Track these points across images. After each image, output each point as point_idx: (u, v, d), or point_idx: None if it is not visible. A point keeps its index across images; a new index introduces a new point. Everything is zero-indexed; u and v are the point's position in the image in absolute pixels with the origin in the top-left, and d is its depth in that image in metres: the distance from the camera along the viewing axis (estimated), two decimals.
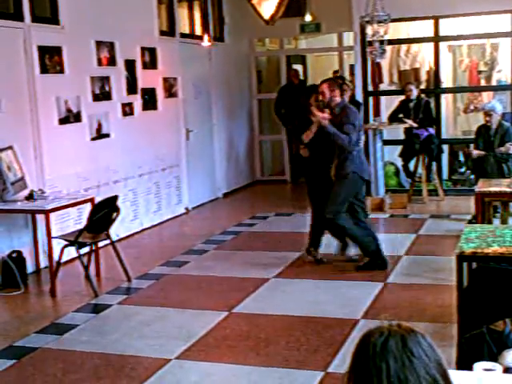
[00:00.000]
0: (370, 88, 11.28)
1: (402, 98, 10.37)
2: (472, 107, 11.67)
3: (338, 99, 6.78)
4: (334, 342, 5.02)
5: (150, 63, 9.35)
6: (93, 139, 8.15)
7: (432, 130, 10.28)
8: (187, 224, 9.67)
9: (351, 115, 6.75)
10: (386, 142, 10.47)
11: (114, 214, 6.66)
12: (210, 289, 6.51)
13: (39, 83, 7.30)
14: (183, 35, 10.37)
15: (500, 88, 11.22)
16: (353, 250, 7.19)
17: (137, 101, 9.01)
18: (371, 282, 6.46)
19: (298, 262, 7.27)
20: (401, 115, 10.24)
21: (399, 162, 10.93)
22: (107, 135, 8.40)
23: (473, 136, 9.15)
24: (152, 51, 9.37)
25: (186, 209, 10.27)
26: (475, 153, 8.69)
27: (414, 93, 10.19)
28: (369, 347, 1.74)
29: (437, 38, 10.79)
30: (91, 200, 7.02)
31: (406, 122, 10.08)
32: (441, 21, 10.63)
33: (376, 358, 1.72)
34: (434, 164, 10.58)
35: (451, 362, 3.52)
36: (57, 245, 6.57)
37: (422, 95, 10.42)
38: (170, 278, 6.94)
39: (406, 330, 1.77)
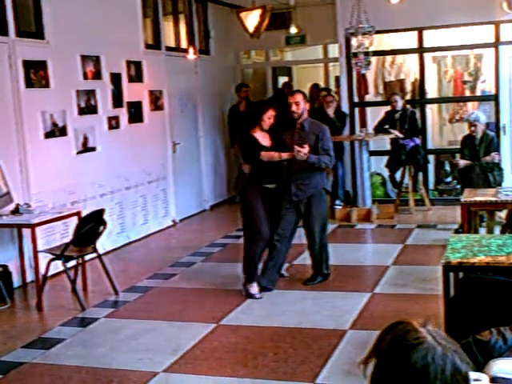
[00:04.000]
0: (356, 99, 11.33)
1: (388, 108, 10.43)
2: (457, 117, 11.74)
3: (306, 114, 6.70)
4: (322, 354, 5.02)
5: (136, 76, 9.35)
6: (79, 153, 8.14)
7: (418, 141, 10.33)
8: (174, 236, 9.65)
9: (328, 132, 6.71)
10: (373, 153, 10.53)
11: (101, 228, 6.64)
12: (197, 301, 6.50)
13: (24, 98, 7.29)
14: (169, 48, 10.39)
15: (484, 98, 11.30)
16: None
17: (123, 114, 9.00)
18: (359, 293, 6.46)
19: (286, 273, 7.25)
20: (387, 126, 10.30)
21: (386, 173, 10.97)
22: (93, 149, 8.39)
23: (458, 146, 9.20)
24: (138, 64, 9.37)
25: (173, 221, 10.26)
26: (462, 163, 8.72)
27: (399, 103, 10.25)
28: (409, 362, 1.71)
29: (421, 50, 10.87)
30: (77, 214, 7.00)
31: (391, 133, 10.13)
32: (425, 32, 10.71)
33: (412, 379, 1.70)
34: (421, 174, 10.63)
35: None
36: (43, 259, 6.55)
37: (408, 106, 10.49)
38: (158, 291, 6.92)
39: (447, 354, 1.73)
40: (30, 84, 7.37)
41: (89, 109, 8.30)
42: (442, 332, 1.80)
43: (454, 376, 1.73)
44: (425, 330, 1.77)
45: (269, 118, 6.48)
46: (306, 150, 6.34)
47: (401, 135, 10.10)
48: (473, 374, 2.45)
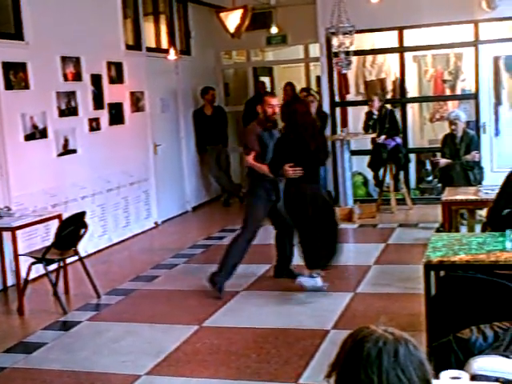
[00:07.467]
0: (337, 99, 11.35)
1: (367, 109, 10.44)
2: (438, 116, 11.79)
3: None
4: (304, 354, 5.02)
5: (117, 78, 9.31)
6: (59, 155, 8.09)
7: (399, 140, 10.36)
8: (156, 238, 9.63)
9: None
10: (354, 153, 10.55)
11: (82, 230, 6.61)
12: (180, 303, 6.49)
13: (4, 99, 7.23)
14: (149, 49, 10.36)
15: (464, 97, 11.35)
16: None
17: (103, 116, 8.96)
18: (341, 292, 6.47)
19: (268, 274, 7.26)
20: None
21: (367, 172, 10.99)
22: (74, 151, 8.34)
23: (439, 145, 9.24)
24: (118, 65, 9.33)
25: (155, 223, 10.23)
26: (442, 161, 8.76)
27: (376, 104, 10.25)
28: (362, 354, 1.78)
29: (401, 49, 10.91)
30: (58, 216, 6.96)
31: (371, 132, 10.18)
32: (405, 31, 10.75)
33: (368, 369, 1.77)
34: (402, 173, 10.66)
35: None
36: (24, 262, 6.49)
37: (387, 105, 10.50)
38: (140, 293, 6.90)
39: (399, 340, 1.81)
40: (9, 86, 7.31)
41: (69, 111, 8.25)
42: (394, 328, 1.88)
43: (408, 360, 1.78)
44: (376, 327, 1.86)
45: None
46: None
47: (382, 137, 10.11)
48: (453, 372, 2.48)
